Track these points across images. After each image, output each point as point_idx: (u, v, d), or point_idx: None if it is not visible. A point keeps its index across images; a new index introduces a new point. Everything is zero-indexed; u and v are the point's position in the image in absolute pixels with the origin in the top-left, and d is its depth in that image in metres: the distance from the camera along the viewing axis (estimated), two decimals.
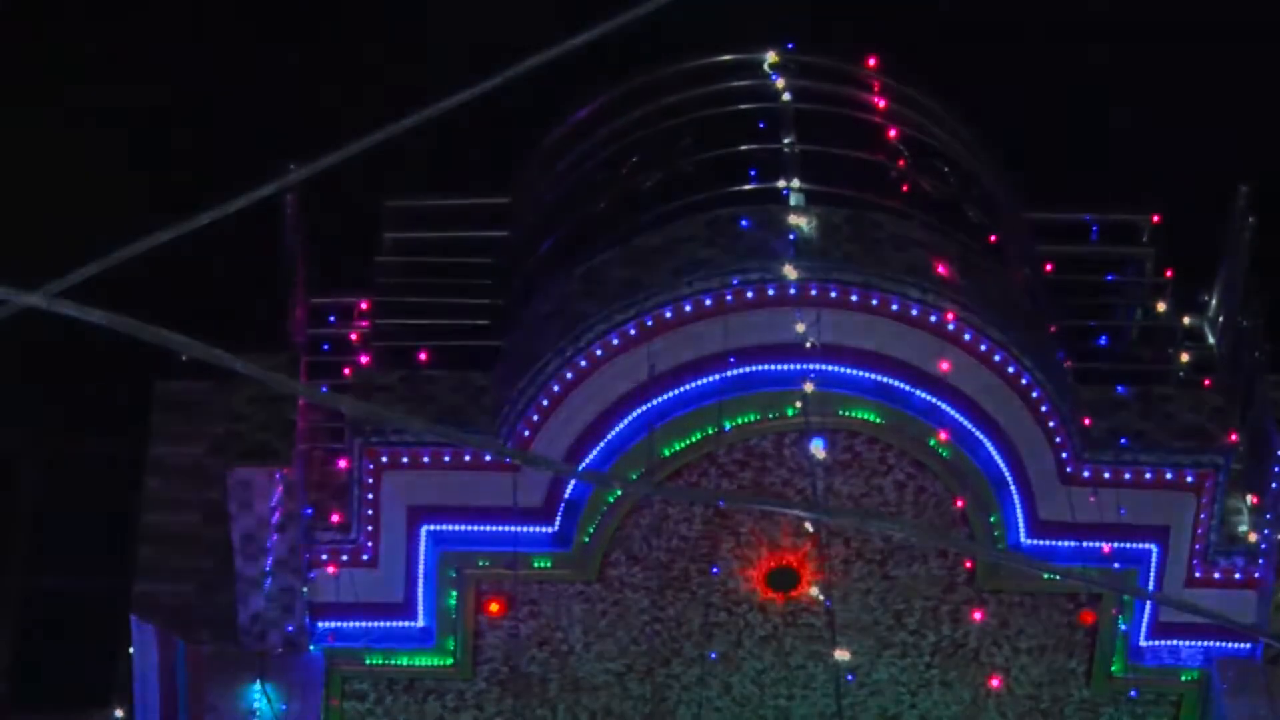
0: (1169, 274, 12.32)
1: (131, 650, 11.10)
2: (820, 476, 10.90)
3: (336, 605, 11.07)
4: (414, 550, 11.10)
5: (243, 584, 10.85)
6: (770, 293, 10.74)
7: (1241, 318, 11.60)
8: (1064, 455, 11.17)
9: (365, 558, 10.98)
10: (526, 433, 10.98)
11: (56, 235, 15.84)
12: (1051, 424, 11.20)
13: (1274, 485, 11.34)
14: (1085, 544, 11.15)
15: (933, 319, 10.73)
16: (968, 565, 11.47)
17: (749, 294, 10.78)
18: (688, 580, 11.36)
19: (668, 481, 10.98)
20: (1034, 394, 11.07)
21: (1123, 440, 11.03)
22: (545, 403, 10.85)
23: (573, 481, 11.19)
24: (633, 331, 10.74)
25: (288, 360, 11.14)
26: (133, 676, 11.45)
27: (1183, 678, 11.65)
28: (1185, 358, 12.14)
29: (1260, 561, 11.32)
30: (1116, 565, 11.34)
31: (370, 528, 10.95)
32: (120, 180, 17.65)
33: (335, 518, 10.82)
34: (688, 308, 10.65)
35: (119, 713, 11.56)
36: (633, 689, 11.74)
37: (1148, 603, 11.63)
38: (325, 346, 11.56)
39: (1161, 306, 11.83)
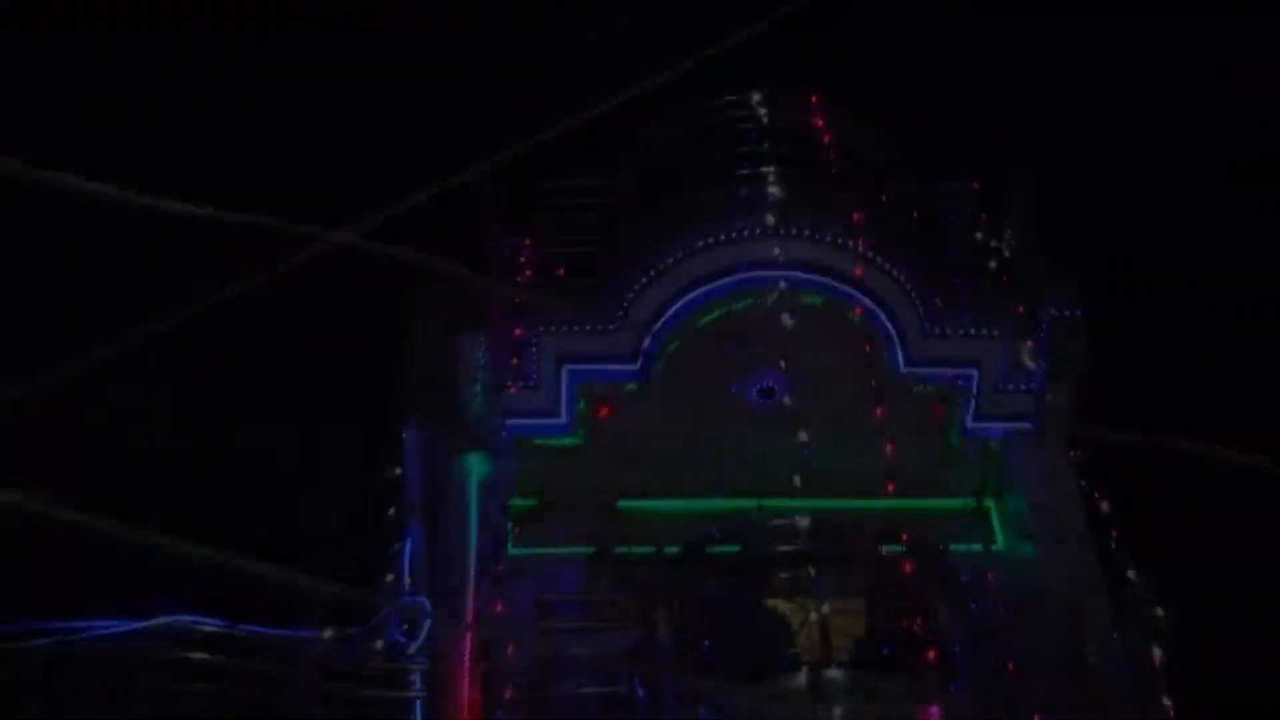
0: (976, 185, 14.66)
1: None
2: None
3: (517, 410, 13.30)
4: (560, 376, 13.29)
5: (467, 396, 13.06)
6: (758, 231, 13.17)
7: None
8: (925, 321, 13.38)
9: (532, 382, 13.25)
10: (627, 309, 13.19)
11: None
12: (919, 305, 13.44)
13: (1040, 335, 13.13)
14: (937, 369, 13.32)
15: (851, 245, 13.15)
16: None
17: (745, 232, 13.19)
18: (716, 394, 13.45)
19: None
20: (909, 290, 13.34)
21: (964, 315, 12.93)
22: (633, 293, 13.18)
23: (648, 337, 13.27)
24: (680, 254, 13.17)
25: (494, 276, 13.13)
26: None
27: (990, 444, 13.66)
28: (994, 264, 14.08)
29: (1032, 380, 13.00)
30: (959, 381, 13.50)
31: (535, 366, 13.21)
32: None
33: (515, 361, 13.11)
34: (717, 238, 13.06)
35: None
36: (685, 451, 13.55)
37: (972, 399, 13.50)
38: (507, 267, 13.62)
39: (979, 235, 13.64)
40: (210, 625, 11.12)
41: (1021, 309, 13.49)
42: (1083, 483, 12.99)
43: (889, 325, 13.36)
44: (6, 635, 10.90)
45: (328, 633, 11.50)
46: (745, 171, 13.67)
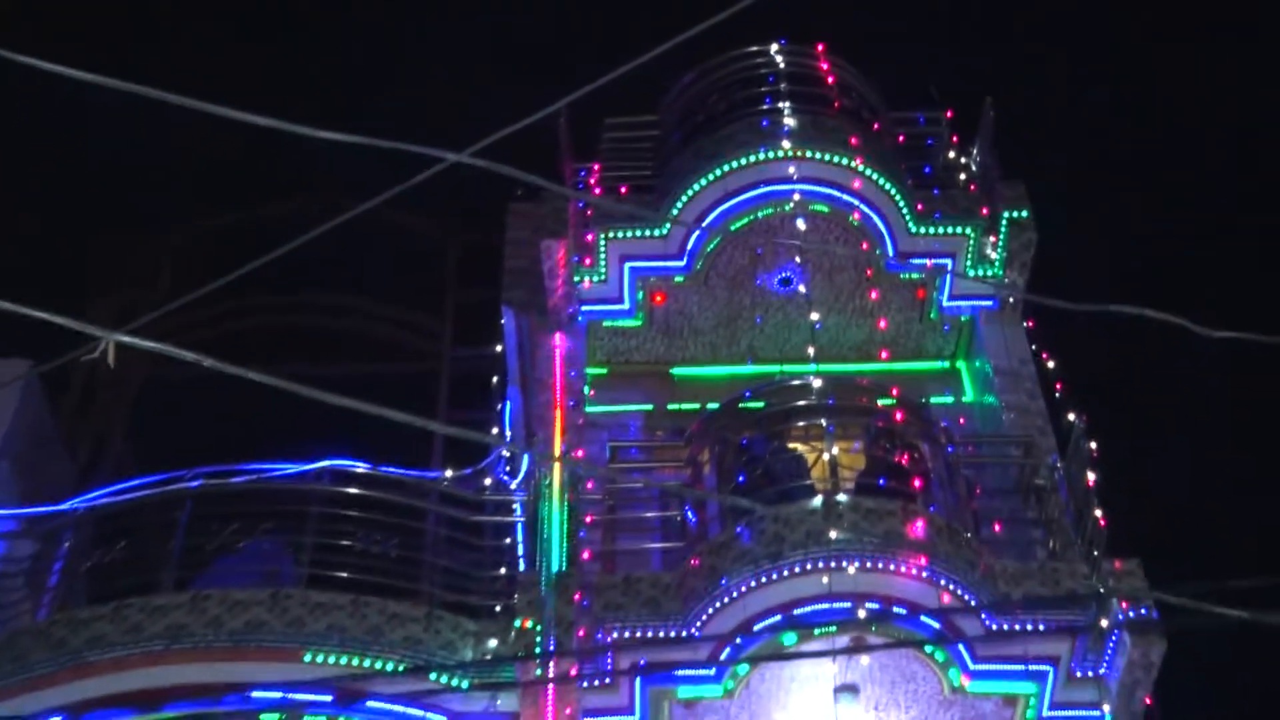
0: (949, 114, 14.47)
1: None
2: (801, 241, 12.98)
3: (589, 299, 13.34)
4: (621, 273, 13.33)
5: (550, 288, 13.15)
6: (777, 155, 13.00)
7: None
8: (909, 223, 13.10)
9: (599, 279, 13.27)
10: (682, 203, 13.04)
11: None
12: (905, 210, 13.15)
13: (999, 232, 13.04)
14: (919, 260, 13.22)
15: (851, 164, 12.95)
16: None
17: (767, 156, 13.04)
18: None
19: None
20: (896, 198, 13.08)
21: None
22: (679, 206, 13.01)
23: (694, 237, 13.18)
24: (719, 173, 12.99)
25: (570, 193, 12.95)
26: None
27: (962, 319, 13.51)
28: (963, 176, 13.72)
29: None
30: (937, 269, 13.28)
31: (603, 263, 13.25)
32: None
33: (587, 261, 13.17)
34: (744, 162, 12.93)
35: None
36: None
37: (947, 284, 13.25)
38: (580, 186, 13.57)
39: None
40: (362, 467, 11.26)
41: (985, 211, 13.43)
42: (1034, 346, 13.04)
43: (881, 226, 13.32)
44: (214, 474, 11.12)
45: (449, 473, 11.73)
46: (765, 108, 13.59)
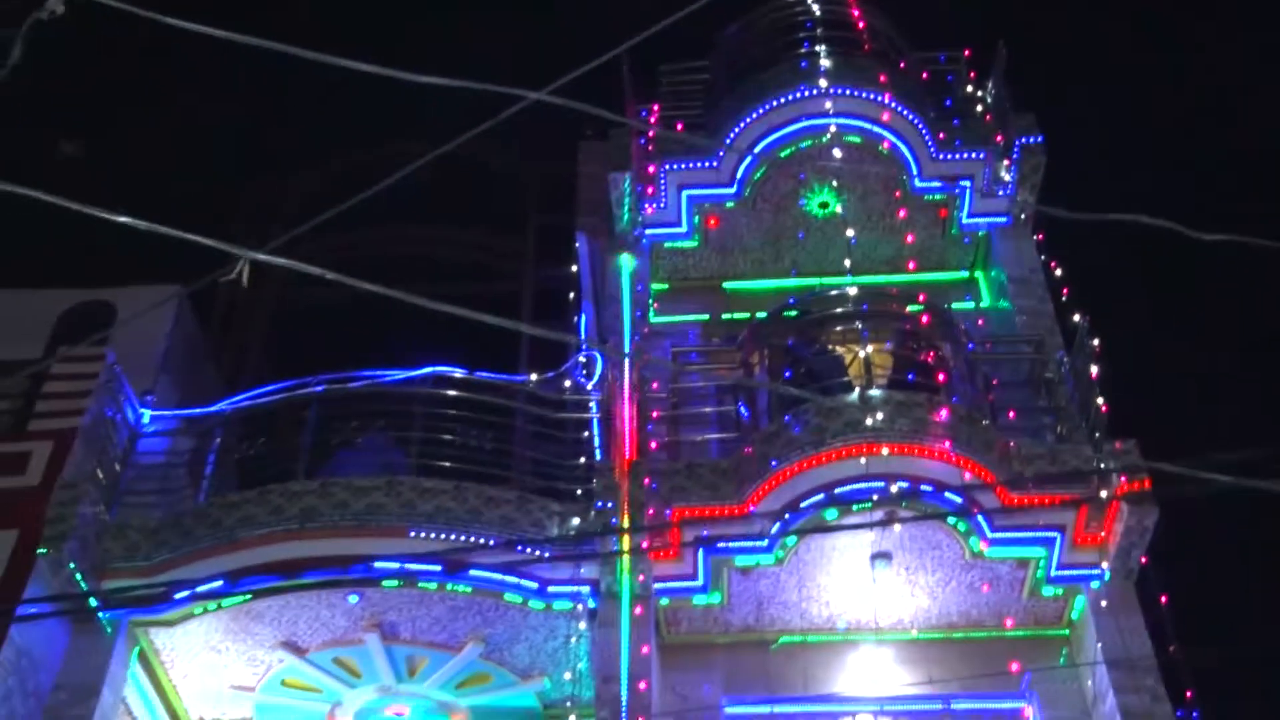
0: (967, 53, 14.27)
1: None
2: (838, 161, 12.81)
3: (652, 223, 13.29)
4: (679, 201, 13.33)
5: (618, 215, 13.05)
6: (814, 92, 12.96)
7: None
8: (931, 150, 12.97)
9: (662, 205, 13.26)
10: (732, 137, 12.90)
11: None
12: (928, 139, 13.00)
13: (1013, 156, 12.76)
14: (941, 182, 13.09)
15: (880, 99, 12.87)
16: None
17: (806, 93, 12.95)
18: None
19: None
20: (921, 128, 13.00)
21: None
22: (730, 140, 12.91)
23: (743, 166, 13.07)
24: (764, 109, 12.97)
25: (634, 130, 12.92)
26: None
27: (979, 233, 13.34)
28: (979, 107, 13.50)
29: None
30: (957, 190, 13.06)
31: (664, 192, 13.24)
32: None
33: (650, 190, 13.07)
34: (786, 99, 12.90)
35: None
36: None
37: (966, 202, 13.06)
38: (645, 113, 13.54)
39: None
40: (460, 373, 11.29)
41: (1000, 137, 13.23)
42: (1043, 257, 12.86)
43: (908, 154, 13.18)
44: (335, 380, 11.20)
45: (534, 376, 11.67)
46: (804, 51, 13.48)
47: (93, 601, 9.99)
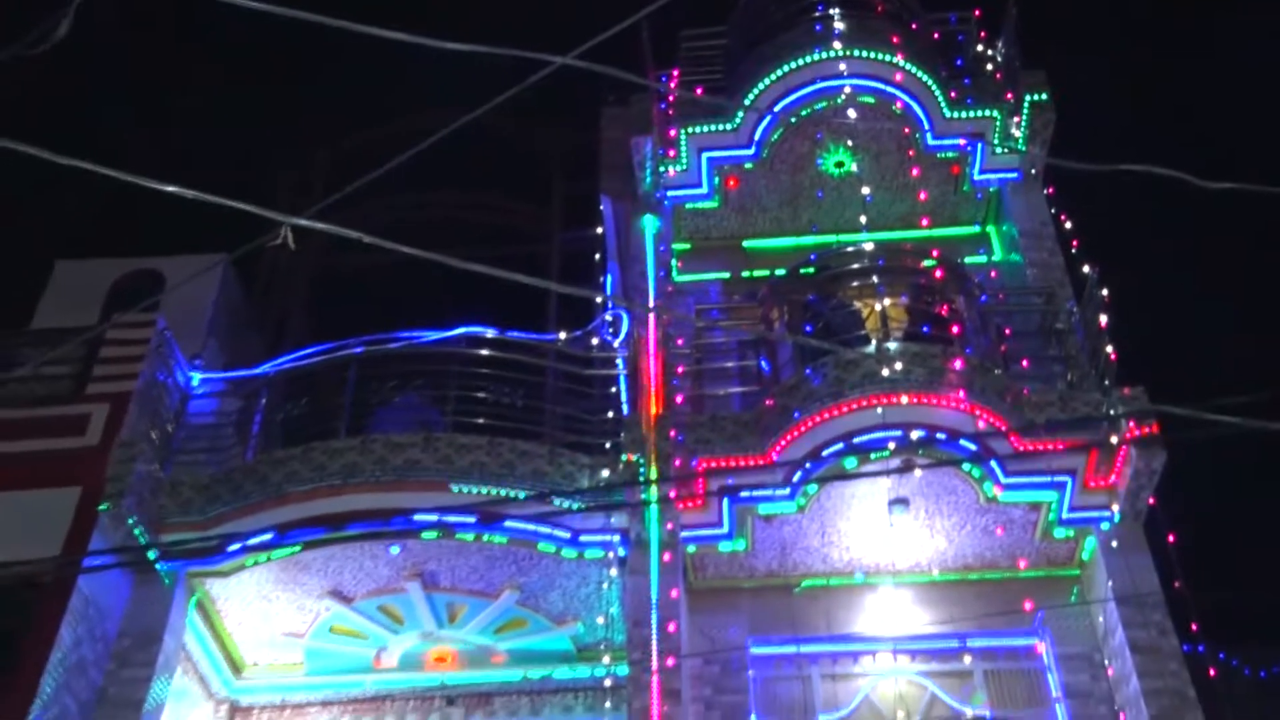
0: (977, 14, 14.09)
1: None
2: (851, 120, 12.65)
3: (673, 185, 13.13)
4: (700, 163, 13.15)
5: (641, 177, 12.91)
6: (829, 55, 12.79)
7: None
8: (945, 108, 12.81)
9: (681, 168, 13.12)
10: (744, 114, 12.86)
11: None
12: (940, 97, 12.85)
13: (1022, 112, 12.65)
14: (954, 140, 12.88)
15: (893, 59, 12.70)
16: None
17: (820, 56, 12.78)
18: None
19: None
20: (933, 88, 12.80)
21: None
22: (747, 103, 12.83)
23: (761, 128, 12.90)
24: (781, 72, 12.81)
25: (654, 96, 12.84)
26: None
27: (991, 189, 13.21)
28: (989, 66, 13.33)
29: None
30: (969, 148, 12.89)
31: (684, 155, 13.07)
32: None
33: (671, 153, 13.03)
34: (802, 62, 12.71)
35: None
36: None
37: (978, 160, 12.87)
38: (661, 90, 13.01)
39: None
40: (492, 333, 11.31)
41: (1010, 96, 13.08)
42: (1053, 210, 12.71)
43: (920, 113, 13.05)
44: (373, 342, 11.21)
45: (563, 335, 11.65)
46: (818, 14, 13.34)
47: (151, 554, 10.03)
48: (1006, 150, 13.02)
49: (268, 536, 10.07)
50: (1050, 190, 12.92)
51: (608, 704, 10.22)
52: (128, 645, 9.92)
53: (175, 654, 10.35)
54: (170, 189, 5.87)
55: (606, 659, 10.44)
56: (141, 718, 9.55)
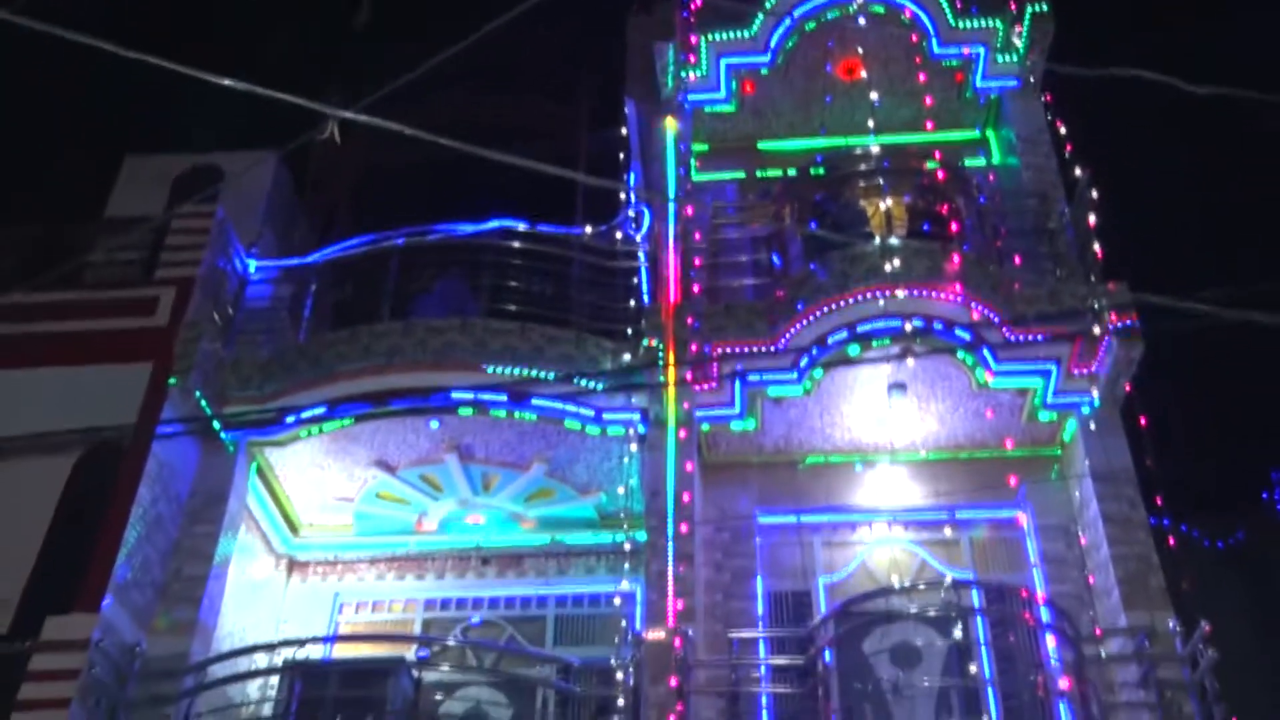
0: None
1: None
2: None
3: (694, 89, 12.97)
4: (718, 68, 13.08)
5: (663, 82, 12.90)
6: None
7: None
8: (950, 17, 12.64)
9: (701, 74, 12.93)
10: (760, 21, 12.80)
11: None
12: (946, 9, 12.71)
13: (1023, 23, 12.47)
14: (958, 48, 12.69)
15: None
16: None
17: None
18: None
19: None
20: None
21: None
22: (761, 15, 12.84)
23: (777, 35, 12.85)
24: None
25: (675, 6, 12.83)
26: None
27: (992, 95, 12.96)
28: None
29: None
30: (972, 56, 12.68)
31: (704, 61, 13.03)
32: None
33: (691, 59, 12.93)
34: None
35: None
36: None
37: (980, 67, 12.70)
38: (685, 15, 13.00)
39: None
40: (523, 225, 11.31)
41: (1013, 6, 12.87)
42: (1049, 117, 12.58)
43: (927, 22, 12.90)
44: (414, 233, 11.24)
45: (588, 228, 11.65)
46: None
47: (215, 424, 10.28)
48: (1007, 59, 12.85)
49: (320, 410, 10.23)
50: (1048, 97, 12.69)
51: (627, 566, 10.40)
52: (197, 505, 10.19)
53: (239, 514, 10.59)
54: (227, 82, 6.10)
55: (626, 526, 10.58)
56: (211, 568, 9.90)
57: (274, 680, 9.26)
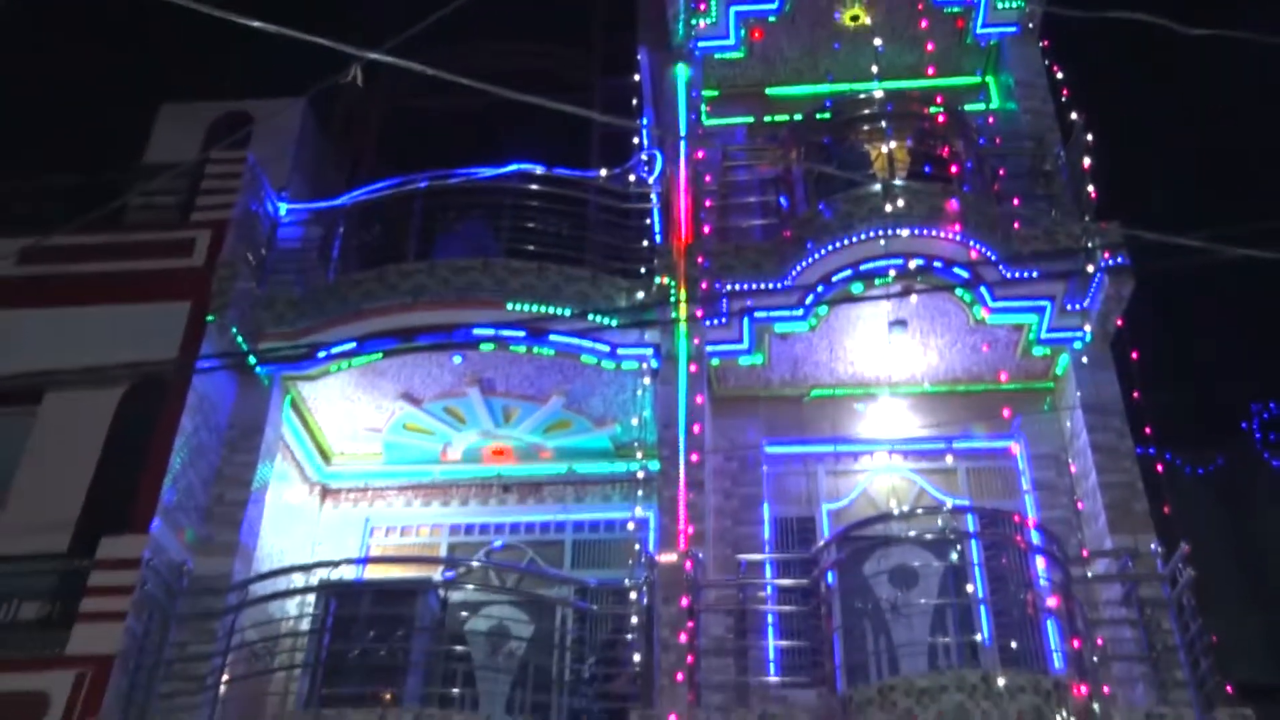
0: None
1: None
2: None
3: (704, 36, 12.81)
4: (728, 16, 12.82)
5: (674, 30, 12.71)
6: None
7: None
8: None
9: (711, 21, 12.76)
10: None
11: None
12: None
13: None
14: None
15: None
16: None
17: None
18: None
19: None
20: None
21: None
22: None
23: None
24: None
25: None
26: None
27: (992, 41, 12.77)
28: None
29: None
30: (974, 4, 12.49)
31: (714, 8, 12.77)
32: None
33: (702, 7, 12.72)
34: None
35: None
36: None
37: (980, 15, 12.49)
38: None
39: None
40: (540, 169, 11.25)
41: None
42: (1046, 62, 12.42)
43: None
44: (437, 177, 11.14)
45: (604, 172, 11.56)
46: None
47: (251, 359, 10.37)
48: (1007, 5, 12.64)
49: (349, 346, 10.28)
50: (1045, 44, 12.54)
51: (640, 493, 10.56)
52: (236, 434, 10.33)
53: (275, 443, 10.72)
54: (256, 24, 6.18)
55: (640, 455, 10.68)
56: (250, 494, 10.04)
57: (310, 598, 9.42)
